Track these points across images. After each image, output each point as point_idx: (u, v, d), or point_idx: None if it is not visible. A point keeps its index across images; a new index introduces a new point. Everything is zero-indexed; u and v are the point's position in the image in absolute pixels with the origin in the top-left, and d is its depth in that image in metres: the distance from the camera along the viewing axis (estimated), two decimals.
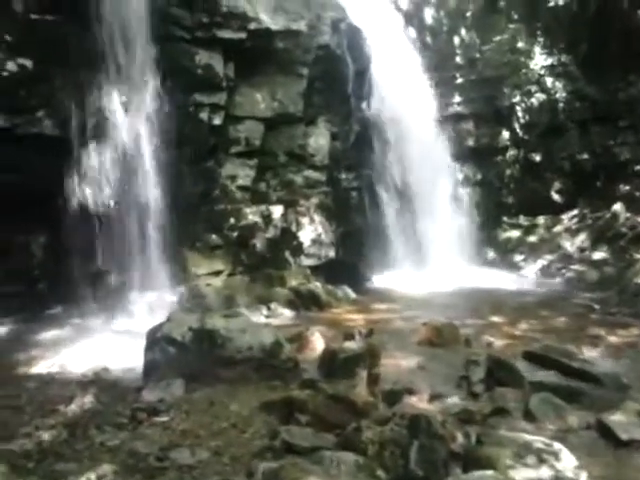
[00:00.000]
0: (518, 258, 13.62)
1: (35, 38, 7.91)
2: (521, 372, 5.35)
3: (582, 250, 12.90)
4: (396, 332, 7.74)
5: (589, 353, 6.41)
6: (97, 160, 8.50)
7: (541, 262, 13.13)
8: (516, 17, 14.96)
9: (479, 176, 15.22)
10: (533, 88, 14.85)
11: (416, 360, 6.24)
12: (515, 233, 14.50)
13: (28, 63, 7.85)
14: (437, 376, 5.67)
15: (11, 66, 7.72)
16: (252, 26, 9.92)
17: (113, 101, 8.46)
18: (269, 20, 10.12)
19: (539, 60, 14.86)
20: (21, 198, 7.64)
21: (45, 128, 8.07)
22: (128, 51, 8.46)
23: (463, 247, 13.39)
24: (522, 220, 14.76)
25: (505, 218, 15.01)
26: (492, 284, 11.56)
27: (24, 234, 8.41)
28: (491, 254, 14.13)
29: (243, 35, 9.87)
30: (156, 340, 5.47)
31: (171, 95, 9.09)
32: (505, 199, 15.25)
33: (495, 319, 8.59)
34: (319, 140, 11.40)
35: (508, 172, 15.25)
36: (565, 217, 14.27)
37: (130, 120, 8.65)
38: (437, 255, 12.72)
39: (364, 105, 12.40)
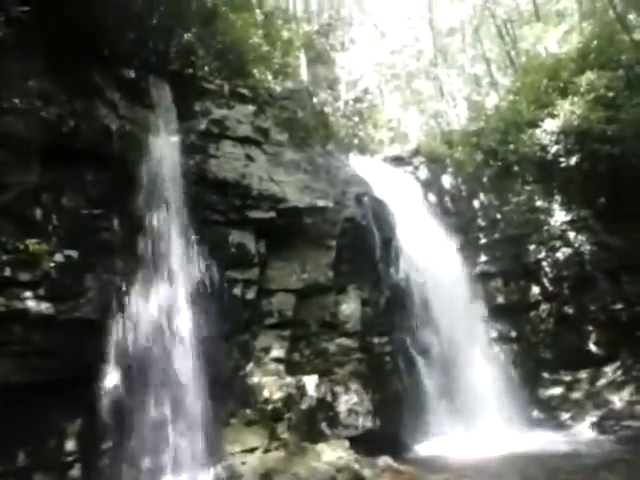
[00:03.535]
0: (565, 416, 13.00)
1: (81, 231, 8.56)
2: None
3: (631, 403, 12.30)
4: None
5: None
6: (134, 341, 8.72)
7: (589, 419, 12.50)
8: (531, 179, 15.66)
9: (513, 333, 15.03)
10: (557, 243, 15.09)
11: None
12: (558, 390, 13.94)
13: (74, 254, 8.41)
14: None
15: (58, 257, 8.28)
16: (281, 205, 10.63)
17: (150, 286, 8.88)
18: (297, 199, 10.83)
19: (559, 216, 15.24)
20: (58, 383, 7.79)
21: (86, 313, 8.42)
22: (168, 237, 9.05)
23: (505, 407, 12.88)
24: (563, 375, 14.25)
25: (546, 374, 14.52)
26: (541, 446, 10.95)
27: (59, 420, 8.40)
28: (535, 412, 13.52)
29: (273, 214, 10.54)
30: None
31: (208, 273, 9.52)
32: (543, 354, 14.87)
33: None
34: (350, 307, 11.62)
35: (542, 327, 15.03)
36: (608, 369, 13.77)
37: (169, 300, 8.99)
38: (479, 418, 12.24)
39: (392, 270, 12.74)
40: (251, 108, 11.46)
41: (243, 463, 9.01)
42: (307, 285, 11.09)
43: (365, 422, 10.69)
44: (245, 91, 11.63)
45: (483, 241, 15.57)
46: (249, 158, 10.84)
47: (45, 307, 8.14)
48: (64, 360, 8.02)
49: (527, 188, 15.66)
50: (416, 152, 17.36)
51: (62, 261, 8.30)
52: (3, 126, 8.16)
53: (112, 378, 8.56)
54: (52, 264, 8.25)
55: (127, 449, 8.46)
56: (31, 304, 7.97)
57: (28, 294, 8.03)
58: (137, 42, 9.87)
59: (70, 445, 8.53)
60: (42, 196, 8.55)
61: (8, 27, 7.90)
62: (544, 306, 15.12)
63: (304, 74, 16.45)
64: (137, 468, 8.45)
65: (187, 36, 10.87)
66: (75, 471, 8.47)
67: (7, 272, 7.88)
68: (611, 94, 14.37)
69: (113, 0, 9.07)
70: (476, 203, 15.88)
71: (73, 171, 8.93)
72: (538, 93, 16.21)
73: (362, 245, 12.01)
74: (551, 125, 14.90)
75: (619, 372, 13.53)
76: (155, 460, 8.48)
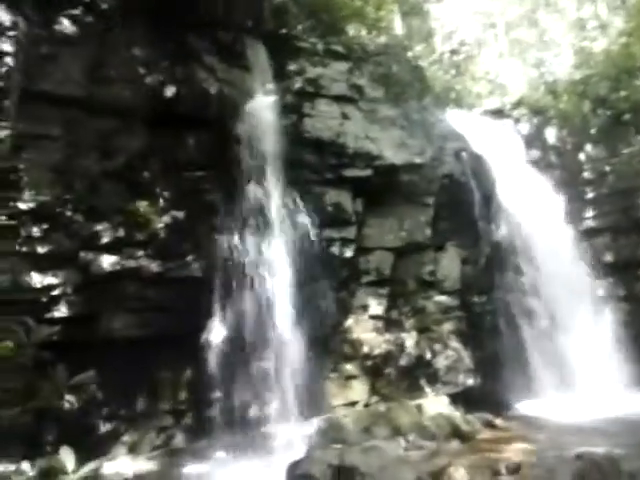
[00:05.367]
0: None
1: (186, 192, 8.93)
2: None
3: None
4: (547, 466, 7.11)
5: None
6: (239, 297, 9.06)
7: None
8: None
9: (622, 291, 14.27)
10: None
11: None
12: None
13: (180, 214, 8.81)
14: None
15: (166, 218, 8.72)
16: (377, 163, 10.54)
17: (251, 243, 9.15)
18: (393, 156, 10.70)
19: None
20: (169, 337, 8.28)
21: (193, 271, 8.83)
22: (268, 196, 9.26)
23: (613, 369, 12.33)
24: None
25: None
26: None
27: (171, 371, 8.94)
28: None
29: (369, 172, 10.49)
30: (296, 477, 5.48)
31: (306, 233, 9.68)
32: None
33: None
34: (449, 265, 11.45)
35: None
36: None
37: (270, 259, 9.25)
38: (585, 378, 11.78)
39: (493, 228, 12.38)
40: (345, 65, 11.35)
41: (345, 416, 9.25)
42: (405, 243, 11.02)
43: (465, 379, 10.61)
44: (339, 48, 11.52)
45: (590, 195, 14.75)
46: (344, 116, 10.79)
47: (155, 265, 8.63)
48: (175, 315, 8.48)
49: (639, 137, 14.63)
50: (517, 104, 16.58)
51: (169, 222, 8.74)
52: (111, 94, 8.58)
53: (218, 332, 8.98)
54: (160, 225, 8.70)
55: (234, 399, 8.90)
56: (143, 263, 8.48)
57: (140, 253, 8.54)
58: (232, 4, 9.96)
59: (182, 395, 9.09)
60: (149, 160, 8.98)
61: None
62: None
63: (398, 28, 16.04)
64: (245, 417, 8.88)
65: None
66: (188, 419, 9.05)
67: (121, 233, 8.40)
68: None
69: None
70: (582, 156, 15.01)
71: (175, 135, 9.28)
72: None
73: (461, 202, 11.73)
74: None
75: None
76: (261, 410, 8.87)
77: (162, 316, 8.44)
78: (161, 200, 8.82)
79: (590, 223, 14.62)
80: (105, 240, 8.29)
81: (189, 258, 8.82)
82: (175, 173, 9.08)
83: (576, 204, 14.40)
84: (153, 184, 9.00)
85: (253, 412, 8.90)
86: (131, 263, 8.40)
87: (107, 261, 8.20)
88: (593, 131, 15.01)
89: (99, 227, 8.24)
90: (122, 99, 8.66)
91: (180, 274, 8.72)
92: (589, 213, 14.64)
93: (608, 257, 14.40)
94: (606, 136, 15.00)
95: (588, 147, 15.01)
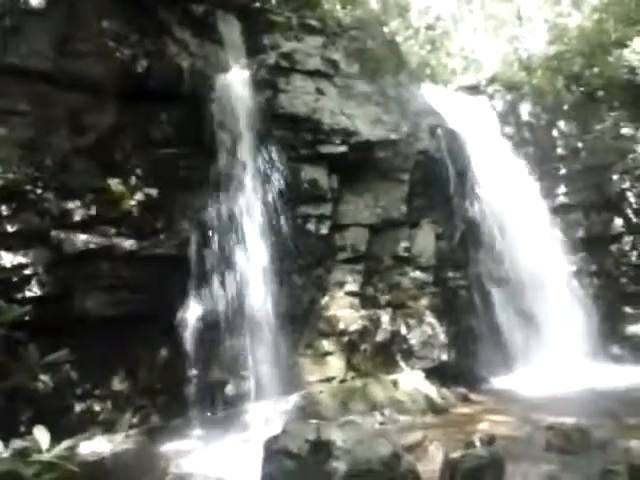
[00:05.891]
0: None
1: (159, 169, 8.79)
2: None
3: None
4: (520, 438, 7.28)
5: None
6: (213, 275, 9.02)
7: None
8: (617, 104, 14.72)
9: (594, 267, 14.53)
10: None
11: (546, 469, 5.81)
12: None
13: (153, 192, 8.69)
14: None
15: (139, 196, 8.58)
16: (353, 139, 10.49)
17: (226, 220, 9.08)
18: (369, 132, 10.66)
19: None
20: (144, 315, 8.21)
21: (167, 249, 8.73)
22: (242, 172, 9.17)
23: (585, 343, 12.61)
24: None
25: (628, 309, 14.04)
26: (623, 382, 10.67)
27: (147, 350, 8.88)
28: (617, 349, 13.16)
29: (345, 148, 10.43)
30: (273, 453, 5.50)
31: (281, 209, 9.63)
32: (626, 289, 14.36)
33: (633, 421, 7.76)
34: (424, 241, 11.51)
35: (625, 260, 14.45)
36: None
37: (245, 236, 9.19)
38: (557, 352, 12.03)
39: (467, 204, 12.46)
40: (320, 40, 11.21)
41: (321, 391, 9.32)
42: (380, 219, 11.03)
43: (440, 354, 10.74)
44: (314, 22, 11.36)
45: (563, 171, 14.90)
46: (319, 92, 10.69)
47: (129, 244, 8.51)
48: (149, 294, 8.39)
49: (612, 114, 14.74)
50: (492, 80, 16.58)
51: (142, 199, 8.60)
52: (80, 69, 8.36)
53: (193, 311, 8.93)
54: (133, 202, 8.57)
55: (211, 377, 8.90)
56: (116, 240, 8.35)
57: (113, 231, 8.41)
58: None
59: (158, 373, 9.05)
60: (120, 137, 8.81)
61: None
62: (627, 239, 14.45)
63: (374, 2, 15.88)
64: (221, 395, 8.89)
65: None
66: (164, 397, 9.03)
67: (93, 211, 8.26)
68: None
69: None
70: (556, 132, 15.13)
71: (148, 111, 9.11)
72: (627, 9, 15.01)
73: (436, 178, 11.76)
74: None
75: None
76: (238, 388, 8.89)
77: (136, 295, 8.35)
78: (134, 177, 8.67)
79: (563, 199, 14.78)
80: (77, 218, 8.14)
81: (162, 236, 8.72)
82: (148, 149, 8.93)
83: (549, 180, 14.55)
84: (125, 161, 8.85)
85: (229, 390, 8.92)
86: (104, 241, 8.25)
87: (79, 239, 8.05)
88: (566, 107, 15.12)
89: (70, 205, 8.08)
90: (92, 74, 8.45)
91: (153, 252, 8.62)
92: (562, 189, 14.80)
93: (580, 233, 14.61)
94: (579, 112, 15.11)
95: (561, 123, 15.12)
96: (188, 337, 8.78)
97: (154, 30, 9.30)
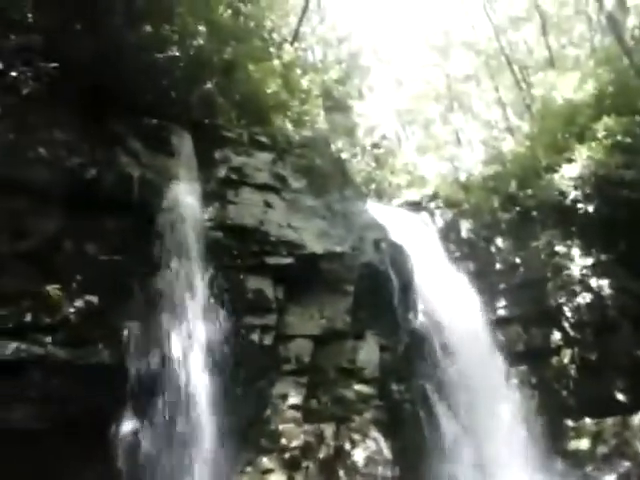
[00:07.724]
0: (590, 468, 12.59)
1: (101, 277, 8.68)
2: None
3: None
4: None
5: None
6: (152, 386, 8.70)
7: (617, 471, 12.10)
8: (550, 224, 15.61)
9: (535, 379, 14.73)
10: (578, 288, 14.89)
11: None
12: (583, 439, 13.52)
13: (94, 299, 8.51)
14: None
15: (79, 303, 8.39)
16: (299, 252, 10.71)
17: (168, 329, 8.92)
18: (314, 245, 10.91)
19: (579, 261, 15.11)
20: (74, 430, 7.77)
21: (104, 358, 8.44)
22: (185, 285, 9.13)
23: (528, 457, 12.53)
24: (588, 424, 13.81)
25: (569, 422, 14.12)
26: None
27: (75, 468, 8.32)
28: (559, 465, 13.10)
29: (291, 260, 10.61)
30: None
31: (225, 319, 9.54)
32: (567, 402, 14.51)
33: None
34: (368, 353, 11.50)
35: (565, 373, 14.73)
36: (636, 418, 13.36)
37: (187, 346, 9.01)
38: (501, 467, 11.90)
39: (411, 316, 12.64)
40: (270, 156, 11.64)
41: None
42: (325, 331, 11.04)
43: (384, 471, 10.43)
44: (264, 139, 11.83)
45: (502, 286, 15.44)
46: (267, 205, 10.98)
47: (64, 352, 8.20)
48: (82, 406, 8.02)
49: (546, 232, 15.60)
50: (433, 197, 17.45)
51: (82, 306, 8.40)
52: (27, 175, 8.39)
53: (129, 425, 8.52)
54: (72, 309, 8.35)
55: None
56: (50, 349, 8.04)
57: (48, 339, 8.12)
58: (159, 93, 10.14)
59: None
60: (64, 243, 8.73)
61: (36, 82, 8.22)
62: (566, 352, 14.84)
63: (322, 122, 16.77)
64: None
65: (208, 86, 11.14)
66: None
67: (28, 317, 8.00)
68: (628, 139, 14.42)
69: (140, 58, 9.43)
70: (494, 248, 15.83)
71: (94, 218, 9.10)
72: (555, 138, 16.31)
73: (380, 290, 11.97)
74: (569, 171, 14.94)
75: None
76: None
77: (68, 407, 7.94)
78: (74, 284, 8.50)
79: (503, 312, 15.21)
80: (10, 325, 7.84)
81: (101, 345, 8.46)
82: (91, 256, 8.85)
83: (490, 294, 15.00)
84: (67, 267, 8.70)
85: None
86: (37, 350, 7.94)
87: (9, 347, 7.71)
88: (503, 225, 15.94)
89: (3, 312, 7.81)
90: (39, 180, 8.47)
91: (89, 361, 8.31)
92: (502, 303, 15.27)
93: (520, 346, 14.91)
94: (515, 230, 15.94)
95: (499, 240, 15.87)
96: (121, 453, 8.30)
97: (106, 140, 9.48)
